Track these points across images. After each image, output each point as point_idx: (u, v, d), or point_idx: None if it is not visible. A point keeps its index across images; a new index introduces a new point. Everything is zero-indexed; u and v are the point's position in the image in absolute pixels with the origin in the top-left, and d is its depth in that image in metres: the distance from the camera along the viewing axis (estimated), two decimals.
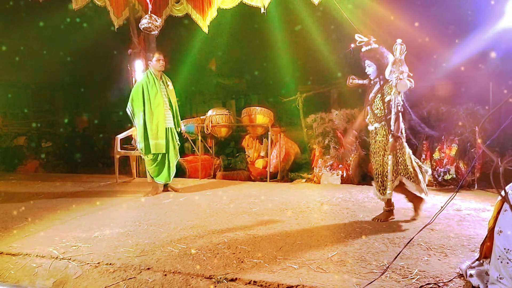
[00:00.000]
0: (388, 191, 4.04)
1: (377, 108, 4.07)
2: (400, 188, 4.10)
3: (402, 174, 4.01)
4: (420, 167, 4.09)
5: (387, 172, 4.02)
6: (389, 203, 4.22)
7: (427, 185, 6.13)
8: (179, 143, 6.09)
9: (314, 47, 9.45)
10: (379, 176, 4.11)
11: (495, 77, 7.45)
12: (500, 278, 2.29)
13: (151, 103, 5.65)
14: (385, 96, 3.98)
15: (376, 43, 4.11)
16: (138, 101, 5.64)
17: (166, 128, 5.79)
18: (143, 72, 5.90)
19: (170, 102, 5.88)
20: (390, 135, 3.93)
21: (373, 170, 4.21)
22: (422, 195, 4.13)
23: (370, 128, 4.21)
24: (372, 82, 4.16)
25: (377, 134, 4.11)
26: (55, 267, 3.23)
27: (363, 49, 4.11)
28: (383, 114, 4.01)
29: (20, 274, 3.24)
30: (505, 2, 5.50)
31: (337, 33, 7.98)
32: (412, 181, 4.00)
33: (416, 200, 4.25)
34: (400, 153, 4.01)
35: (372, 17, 7.37)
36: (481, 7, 6.84)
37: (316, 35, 9.09)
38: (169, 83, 5.94)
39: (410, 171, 4.00)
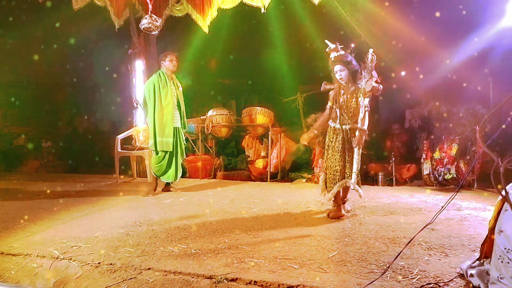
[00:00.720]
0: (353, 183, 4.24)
1: (350, 111, 4.28)
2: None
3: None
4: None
5: (343, 170, 4.25)
6: (338, 199, 4.41)
7: (427, 185, 6.20)
8: (185, 143, 6.23)
9: (314, 47, 9.44)
10: (337, 174, 4.28)
11: (495, 77, 7.45)
12: (501, 278, 2.29)
13: (162, 102, 5.76)
14: (358, 99, 4.21)
15: (343, 50, 4.32)
16: (150, 99, 5.74)
17: (174, 128, 5.88)
18: (154, 72, 5.96)
19: (178, 103, 5.98)
20: (358, 130, 4.18)
21: (330, 168, 4.36)
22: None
23: (337, 126, 4.37)
24: (343, 85, 4.35)
25: (348, 134, 4.31)
26: (56, 267, 3.23)
27: (334, 55, 4.29)
28: (355, 115, 4.24)
29: (21, 274, 3.24)
30: (505, 1, 5.51)
31: (337, 33, 7.98)
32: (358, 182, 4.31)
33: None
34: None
35: (372, 17, 7.37)
36: (481, 7, 6.84)
37: (317, 35, 9.08)
38: (179, 85, 6.05)
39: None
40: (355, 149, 4.22)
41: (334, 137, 4.37)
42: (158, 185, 6.10)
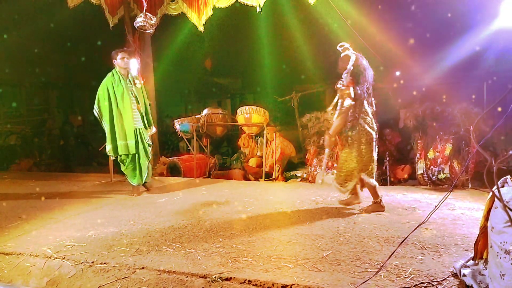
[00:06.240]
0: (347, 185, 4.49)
1: None
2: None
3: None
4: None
5: (351, 167, 4.42)
6: (375, 195, 4.55)
7: (421, 184, 6.22)
8: (151, 144, 5.83)
9: (309, 47, 9.47)
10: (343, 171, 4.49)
11: (489, 77, 7.50)
12: (503, 275, 2.29)
13: (118, 103, 5.45)
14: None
15: (354, 51, 4.44)
16: (104, 102, 5.44)
17: (135, 129, 5.56)
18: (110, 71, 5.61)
19: (138, 101, 5.61)
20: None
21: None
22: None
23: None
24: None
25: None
26: (49, 266, 3.21)
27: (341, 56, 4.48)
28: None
29: (14, 273, 3.22)
30: (499, 2, 5.54)
31: (333, 32, 8.00)
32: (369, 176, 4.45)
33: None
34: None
35: (368, 18, 7.39)
36: (475, 8, 6.88)
37: (312, 35, 9.10)
38: (137, 81, 5.68)
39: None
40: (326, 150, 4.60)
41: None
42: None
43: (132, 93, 5.55)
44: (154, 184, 6.17)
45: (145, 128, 5.72)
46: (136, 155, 5.62)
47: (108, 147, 5.51)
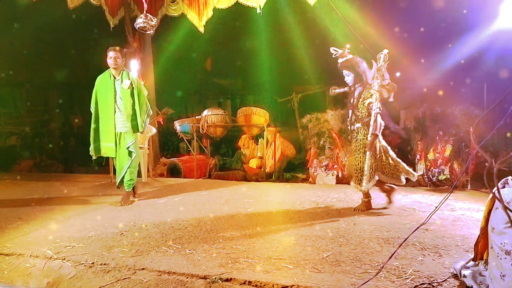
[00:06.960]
0: (364, 184, 4.46)
1: (359, 111, 4.52)
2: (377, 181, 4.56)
3: (378, 169, 4.48)
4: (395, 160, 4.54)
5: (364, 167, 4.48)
6: (367, 195, 4.62)
7: (421, 185, 6.22)
8: (133, 151, 5.19)
9: (309, 48, 9.47)
10: (359, 171, 4.52)
11: (489, 78, 7.50)
12: (503, 276, 2.29)
13: (102, 103, 5.21)
14: (365, 100, 4.45)
15: (350, 54, 4.55)
16: (94, 100, 5.25)
17: (115, 133, 5.19)
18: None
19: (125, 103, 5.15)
20: (369, 134, 4.38)
21: (353, 166, 4.62)
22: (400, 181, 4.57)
23: (352, 128, 4.64)
24: (352, 88, 4.62)
25: (358, 134, 4.57)
26: (49, 267, 3.21)
27: (340, 61, 4.56)
28: (364, 116, 4.48)
29: (14, 274, 3.22)
30: (499, 3, 5.54)
31: (333, 33, 8.01)
32: (387, 174, 4.50)
33: (389, 191, 4.72)
34: (377, 150, 4.48)
35: (367, 19, 7.40)
36: (475, 9, 6.88)
37: (312, 36, 9.10)
38: (126, 81, 5.11)
39: (385, 166, 4.50)
40: (367, 152, 4.41)
41: (352, 139, 4.65)
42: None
43: (116, 96, 5.14)
44: (130, 195, 5.49)
45: (132, 132, 5.19)
46: (115, 158, 5.34)
47: (91, 146, 5.31)
